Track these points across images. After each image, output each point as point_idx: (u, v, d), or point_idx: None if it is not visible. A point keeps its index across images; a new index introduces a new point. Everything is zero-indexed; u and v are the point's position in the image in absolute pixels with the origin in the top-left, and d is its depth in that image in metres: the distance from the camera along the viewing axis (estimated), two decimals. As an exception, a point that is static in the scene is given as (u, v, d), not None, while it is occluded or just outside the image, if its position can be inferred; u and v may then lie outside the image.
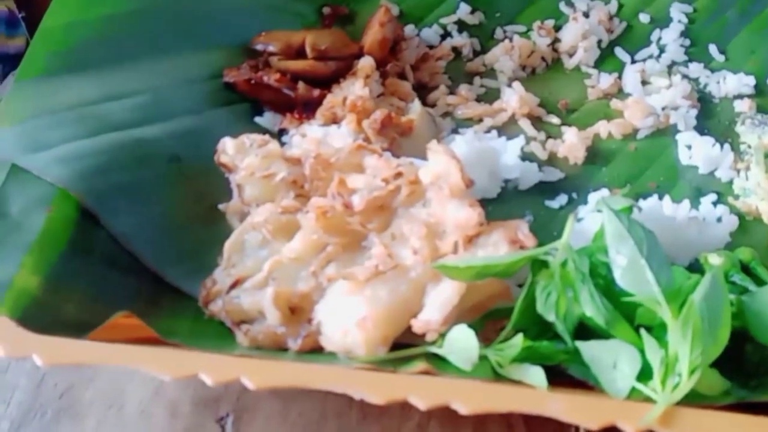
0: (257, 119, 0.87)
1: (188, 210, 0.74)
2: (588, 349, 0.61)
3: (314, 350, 0.64)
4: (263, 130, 0.84)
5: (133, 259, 0.69)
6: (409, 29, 0.99)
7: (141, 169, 0.74)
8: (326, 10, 1.01)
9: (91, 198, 0.70)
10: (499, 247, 0.66)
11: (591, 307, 0.61)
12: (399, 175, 0.71)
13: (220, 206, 0.74)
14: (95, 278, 0.67)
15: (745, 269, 0.69)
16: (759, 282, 0.67)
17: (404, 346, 0.63)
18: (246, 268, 0.68)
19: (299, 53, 0.91)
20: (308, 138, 0.79)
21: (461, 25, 1.00)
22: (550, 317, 0.62)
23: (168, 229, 0.72)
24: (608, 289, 0.62)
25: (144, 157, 0.75)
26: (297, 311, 0.65)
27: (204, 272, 0.69)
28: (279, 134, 0.85)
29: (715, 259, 0.68)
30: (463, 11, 1.01)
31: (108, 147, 0.74)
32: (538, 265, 0.64)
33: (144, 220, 0.71)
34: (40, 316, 0.61)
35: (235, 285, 0.67)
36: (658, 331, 0.60)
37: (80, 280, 0.66)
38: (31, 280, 0.63)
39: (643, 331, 0.60)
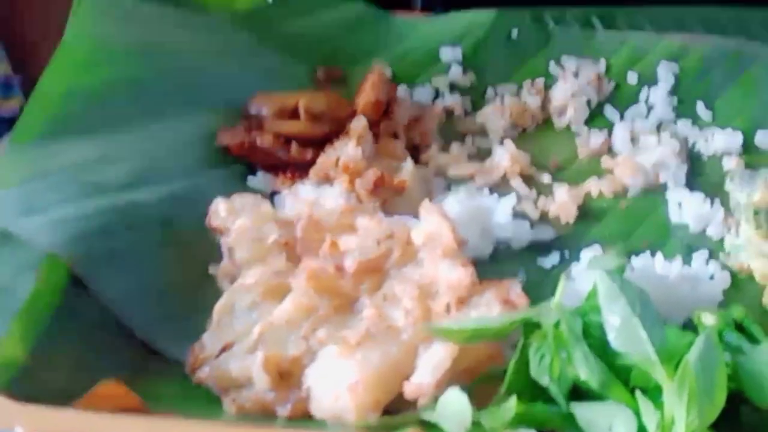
0: (250, 180, 0.87)
1: (179, 274, 0.74)
2: (583, 412, 0.60)
3: (304, 417, 0.63)
4: (256, 192, 0.84)
5: (122, 324, 0.69)
6: (402, 90, 1.00)
7: (132, 233, 0.74)
8: (320, 72, 1.02)
9: (80, 263, 0.70)
10: (491, 308, 0.66)
11: (585, 369, 0.60)
12: (391, 235, 0.71)
13: (211, 269, 0.74)
14: (82, 345, 0.66)
15: (739, 327, 0.68)
16: (753, 340, 0.66)
17: (395, 410, 0.62)
18: (235, 332, 0.67)
19: (293, 115, 0.92)
20: (301, 199, 0.80)
21: (453, 86, 1.02)
22: (544, 380, 0.61)
23: (158, 294, 0.71)
24: (602, 350, 0.62)
25: (136, 221, 0.75)
26: (286, 376, 0.64)
27: (193, 337, 0.68)
28: (272, 195, 0.85)
29: (708, 318, 0.68)
30: (455, 72, 1.03)
31: (100, 211, 0.74)
32: (531, 326, 0.63)
33: (134, 286, 0.71)
34: (26, 385, 0.60)
35: (224, 350, 0.66)
36: (654, 392, 0.59)
37: (67, 347, 0.65)
38: (18, 347, 0.63)
39: (638, 393, 0.59)
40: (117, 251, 0.72)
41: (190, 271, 0.74)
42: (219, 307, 0.69)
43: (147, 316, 0.70)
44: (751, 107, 0.97)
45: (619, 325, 0.60)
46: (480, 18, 1.07)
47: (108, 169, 0.80)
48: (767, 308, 0.74)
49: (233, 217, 0.75)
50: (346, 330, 0.65)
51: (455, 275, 0.68)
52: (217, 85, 0.94)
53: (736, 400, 0.60)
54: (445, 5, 1.16)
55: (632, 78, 1.01)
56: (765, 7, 1.08)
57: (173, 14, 1.00)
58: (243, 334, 0.67)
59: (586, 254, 0.80)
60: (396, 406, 0.63)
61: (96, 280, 0.70)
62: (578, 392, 0.61)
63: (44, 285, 0.68)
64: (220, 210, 0.76)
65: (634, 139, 0.94)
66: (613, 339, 0.60)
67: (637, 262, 0.78)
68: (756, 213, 0.80)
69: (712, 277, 0.78)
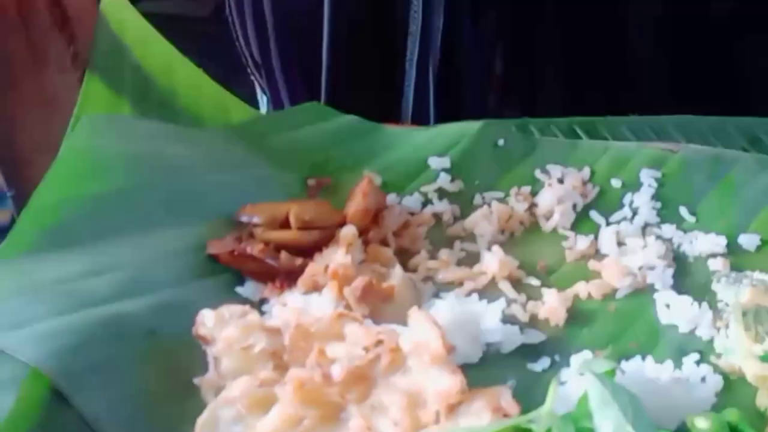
0: (238, 289, 0.87)
1: (162, 386, 0.72)
2: None
3: None
4: (244, 300, 0.84)
5: (103, 441, 0.67)
6: (391, 197, 1.02)
7: (117, 346, 0.73)
8: (311, 181, 1.04)
9: (63, 378, 0.69)
10: (481, 416, 0.65)
11: None
12: (379, 342, 0.71)
13: (195, 381, 0.73)
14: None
15: (734, 431, 0.67)
16: (749, 445, 0.65)
17: None
18: (218, 448, 0.66)
19: (283, 224, 0.93)
20: (289, 307, 0.80)
21: (441, 193, 1.04)
22: None
23: (140, 408, 0.70)
24: (595, 458, 0.61)
25: (121, 333, 0.75)
26: (270, 492, 0.62)
27: (175, 452, 0.67)
28: (260, 304, 0.86)
29: (702, 423, 0.67)
30: (444, 180, 1.05)
31: (84, 324, 0.74)
32: (522, 433, 0.62)
33: (116, 400, 0.69)
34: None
35: (204, 466, 0.64)
36: (651, 502, 0.58)
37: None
38: (-5, 464, 0.61)
39: (633, 504, 0.57)
40: (99, 364, 0.71)
41: (174, 383, 0.73)
42: (201, 421, 0.67)
43: (128, 431, 0.68)
44: (733, 210, 0.99)
45: (612, 432, 0.59)
46: (467, 129, 1.11)
47: (96, 280, 0.80)
48: (761, 410, 0.73)
49: (220, 326, 0.75)
50: (333, 441, 0.64)
51: (444, 383, 0.67)
52: (209, 196, 0.95)
53: None
54: (435, 119, 1.21)
55: (616, 183, 1.03)
56: (741, 115, 1.12)
57: (169, 129, 1.03)
58: (225, 449, 0.65)
59: (576, 358, 0.79)
60: None
61: (77, 394, 0.68)
62: (572, 503, 0.60)
63: (26, 399, 0.67)
64: (207, 320, 0.75)
65: (620, 242, 0.95)
66: (606, 447, 0.59)
67: (627, 365, 0.77)
68: (744, 314, 0.80)
69: (703, 380, 0.77)
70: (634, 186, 1.03)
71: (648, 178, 1.03)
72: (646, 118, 1.14)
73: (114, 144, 0.95)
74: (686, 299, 0.86)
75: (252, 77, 1.44)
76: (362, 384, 0.68)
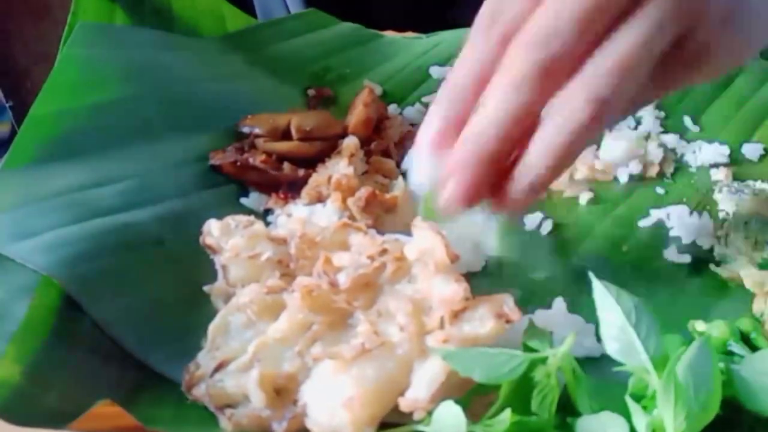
0: (243, 200, 0.87)
1: (173, 293, 0.73)
2: (579, 423, 0.60)
3: (301, 433, 0.63)
4: (249, 211, 0.84)
5: (117, 345, 0.68)
6: (392, 108, 1.02)
7: (126, 254, 0.74)
8: (311, 92, 1.03)
9: (74, 285, 0.70)
10: (484, 322, 0.66)
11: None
12: (384, 251, 0.71)
13: (205, 288, 0.74)
14: (78, 366, 0.66)
15: (745, 339, 0.69)
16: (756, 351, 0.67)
17: (391, 423, 0.62)
18: (231, 351, 0.67)
19: (285, 135, 0.93)
20: (293, 217, 0.80)
21: (443, 104, 1.03)
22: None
23: (152, 313, 0.71)
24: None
25: (129, 242, 0.75)
26: (282, 393, 0.64)
27: (188, 356, 0.68)
28: (264, 214, 0.86)
29: (701, 327, 0.68)
30: (445, 90, 1.04)
31: (93, 233, 0.74)
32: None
33: (128, 306, 0.70)
34: (21, 407, 0.59)
35: (219, 368, 0.66)
36: (651, 400, 0.60)
37: (62, 369, 0.65)
38: (13, 369, 0.62)
39: (627, 398, 0.60)
40: (110, 272, 0.72)
41: (184, 290, 0.74)
42: (213, 326, 0.69)
43: (141, 335, 0.69)
44: (738, 119, 0.98)
45: (615, 335, 0.61)
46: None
47: (101, 191, 0.80)
48: (757, 316, 0.75)
49: (227, 236, 0.75)
50: (341, 346, 0.65)
51: (449, 290, 0.68)
52: (208, 106, 0.94)
53: (734, 408, 0.61)
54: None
55: (619, 92, 1.02)
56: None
57: (165, 38, 1.01)
58: (238, 352, 0.67)
59: (578, 266, 0.81)
60: (391, 419, 0.63)
61: (90, 301, 0.69)
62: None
63: (39, 307, 0.68)
64: (213, 230, 0.76)
65: (622, 152, 0.95)
66: (610, 348, 0.61)
67: (628, 272, 0.78)
68: (745, 223, 0.81)
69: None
70: (638, 95, 1.02)
71: (652, 87, 1.02)
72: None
73: (111, 53, 0.93)
74: (688, 208, 0.86)
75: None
76: (368, 291, 0.69)
